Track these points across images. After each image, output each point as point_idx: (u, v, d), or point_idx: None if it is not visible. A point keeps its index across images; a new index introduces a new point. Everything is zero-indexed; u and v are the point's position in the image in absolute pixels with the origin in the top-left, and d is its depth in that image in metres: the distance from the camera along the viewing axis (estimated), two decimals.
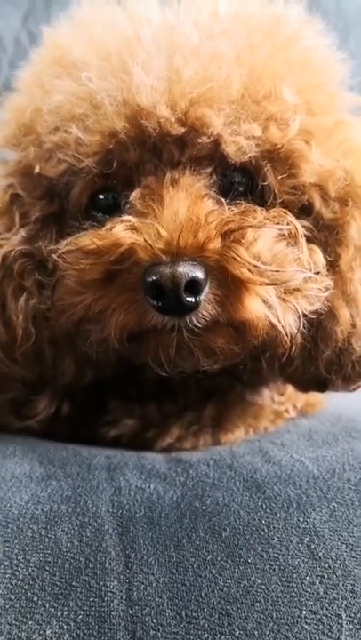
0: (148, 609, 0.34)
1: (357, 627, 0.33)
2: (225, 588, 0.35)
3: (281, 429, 0.53)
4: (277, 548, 0.37)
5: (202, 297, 0.39)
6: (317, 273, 0.43)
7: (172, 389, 0.51)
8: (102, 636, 0.33)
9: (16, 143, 0.48)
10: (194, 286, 0.38)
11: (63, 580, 0.35)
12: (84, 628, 0.33)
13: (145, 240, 0.39)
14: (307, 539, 0.37)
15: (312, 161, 0.43)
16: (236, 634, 0.33)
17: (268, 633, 0.33)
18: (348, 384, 0.48)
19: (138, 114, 0.41)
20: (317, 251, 0.44)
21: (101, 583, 0.35)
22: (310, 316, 0.43)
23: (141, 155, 0.43)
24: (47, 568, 0.36)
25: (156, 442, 0.51)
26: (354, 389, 0.50)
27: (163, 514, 0.39)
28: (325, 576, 0.35)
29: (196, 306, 0.39)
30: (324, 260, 0.44)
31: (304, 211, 0.45)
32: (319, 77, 0.46)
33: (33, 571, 0.35)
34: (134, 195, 0.43)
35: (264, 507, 0.40)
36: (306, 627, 0.33)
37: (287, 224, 0.42)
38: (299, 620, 0.33)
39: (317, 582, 0.35)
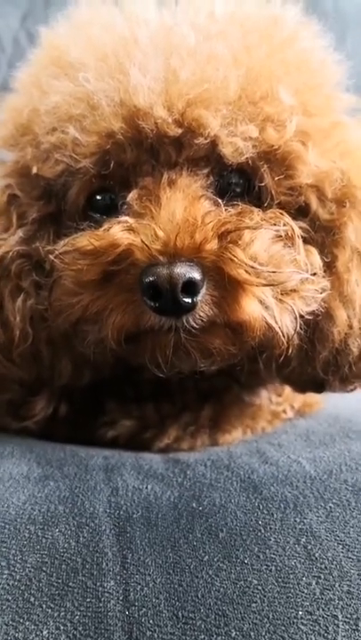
0: (144, 609, 0.34)
1: (354, 628, 0.33)
2: (221, 589, 0.35)
3: (278, 430, 0.53)
4: (274, 548, 0.37)
5: (199, 298, 0.39)
6: (314, 274, 0.43)
7: (169, 390, 0.51)
8: (99, 636, 0.33)
9: (13, 144, 0.48)
10: (191, 287, 0.38)
11: (60, 581, 0.35)
12: (80, 628, 0.33)
13: (142, 241, 0.39)
14: (303, 539, 0.37)
15: (309, 162, 0.43)
16: (233, 635, 0.33)
17: (264, 634, 0.33)
18: (345, 385, 0.48)
19: (135, 114, 0.41)
20: (314, 252, 0.44)
21: (98, 584, 0.35)
22: (307, 317, 0.43)
23: (138, 155, 0.43)
24: (44, 568, 0.36)
25: (154, 442, 0.51)
26: (351, 390, 0.50)
27: (160, 514, 0.39)
28: (322, 577, 0.35)
29: (193, 307, 0.39)
30: (320, 261, 0.44)
31: (301, 212, 0.45)
32: (316, 79, 0.46)
33: (30, 571, 0.35)
34: (131, 195, 0.43)
35: (261, 507, 0.40)
36: (302, 627, 0.33)
37: (284, 225, 0.42)
38: (295, 620, 0.33)
39: (314, 583, 0.35)
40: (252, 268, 0.39)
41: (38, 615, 0.34)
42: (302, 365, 0.46)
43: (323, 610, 0.34)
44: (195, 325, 0.39)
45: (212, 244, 0.39)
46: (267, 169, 0.43)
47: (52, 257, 0.44)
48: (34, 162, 0.46)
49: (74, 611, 0.34)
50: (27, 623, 0.33)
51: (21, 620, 0.33)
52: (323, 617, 0.34)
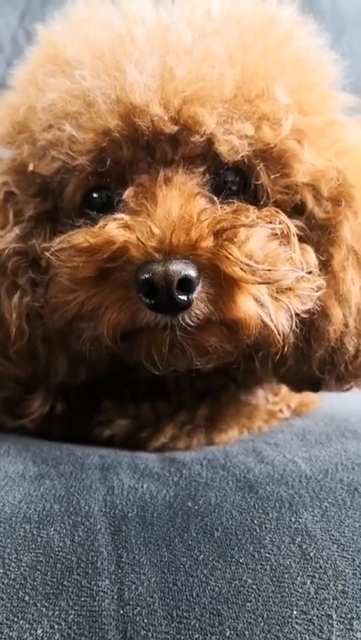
0: (139, 609, 0.34)
1: (348, 627, 0.33)
2: (216, 588, 0.35)
3: (275, 429, 0.53)
4: (269, 548, 0.37)
5: (194, 295, 0.39)
6: (310, 272, 0.43)
7: (165, 389, 0.51)
8: (93, 635, 0.33)
9: (10, 141, 0.48)
10: (186, 284, 0.38)
11: (55, 580, 0.35)
12: (75, 627, 0.33)
13: (137, 238, 0.39)
14: (298, 539, 0.37)
15: (305, 160, 0.43)
16: (227, 634, 0.33)
17: (258, 633, 0.33)
18: (341, 384, 0.48)
19: (131, 112, 0.41)
20: (310, 250, 0.44)
21: (93, 583, 0.35)
22: (303, 315, 0.43)
23: (135, 153, 0.43)
24: (39, 567, 0.35)
25: (150, 442, 0.50)
26: (347, 389, 0.50)
27: (155, 513, 0.39)
28: (317, 576, 0.35)
29: (188, 304, 0.39)
30: (316, 260, 0.44)
31: (297, 210, 0.45)
32: (312, 77, 0.46)
33: (25, 570, 0.35)
34: (127, 193, 0.43)
35: (256, 507, 0.40)
36: (297, 627, 0.33)
37: (280, 223, 0.42)
38: (290, 620, 0.33)
39: (308, 582, 0.35)
40: (248, 265, 0.39)
41: (33, 614, 0.33)
42: (298, 364, 0.46)
43: (317, 609, 0.34)
44: (190, 323, 0.39)
45: (208, 242, 0.39)
46: (263, 167, 0.43)
47: (48, 254, 0.44)
48: (30, 159, 0.46)
49: (68, 610, 0.34)
50: (21, 622, 0.33)
51: (16, 619, 0.33)
52: (317, 616, 0.34)
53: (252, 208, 0.42)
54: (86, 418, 0.52)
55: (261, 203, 0.44)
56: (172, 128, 0.41)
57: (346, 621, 0.34)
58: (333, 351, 0.46)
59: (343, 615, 0.34)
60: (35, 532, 0.37)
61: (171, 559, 0.36)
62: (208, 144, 0.42)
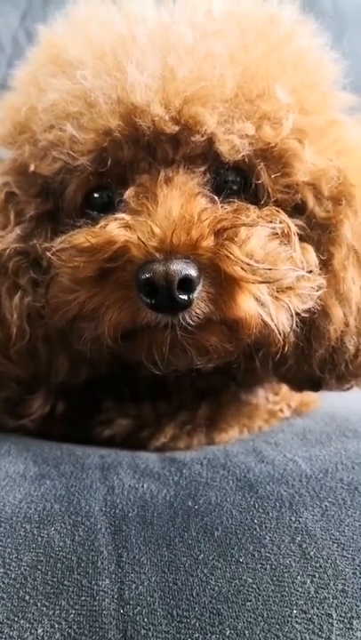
0: (139, 608, 0.34)
1: (348, 626, 0.33)
2: (216, 588, 0.35)
3: (275, 429, 0.53)
4: (269, 547, 0.37)
5: (195, 295, 0.39)
6: (310, 272, 0.43)
7: (166, 389, 0.51)
8: (93, 635, 0.33)
9: (11, 141, 0.48)
10: (187, 284, 0.38)
11: (55, 579, 0.35)
12: (75, 627, 0.33)
13: (138, 238, 0.39)
14: (298, 538, 0.37)
15: (305, 160, 0.43)
16: (227, 633, 0.33)
17: (258, 632, 0.33)
18: (341, 383, 0.48)
19: (132, 112, 0.41)
20: (310, 249, 0.44)
21: (93, 582, 0.35)
22: (303, 314, 0.43)
23: (136, 153, 0.43)
24: (39, 567, 0.36)
25: (151, 441, 0.51)
26: (348, 388, 0.50)
27: (155, 513, 0.39)
28: (316, 575, 0.35)
29: (189, 303, 0.39)
30: (316, 259, 0.44)
31: (297, 209, 0.45)
32: (313, 77, 0.46)
33: (25, 570, 0.35)
34: (128, 193, 0.43)
35: (257, 506, 0.40)
36: (296, 626, 0.33)
37: (280, 222, 0.42)
38: (289, 619, 0.33)
39: (308, 582, 0.35)
40: (248, 265, 0.39)
41: (33, 613, 0.33)
42: (299, 363, 0.46)
43: (317, 608, 0.34)
44: (191, 322, 0.39)
45: (209, 241, 0.39)
46: (263, 166, 0.43)
47: (49, 254, 0.44)
48: (31, 159, 0.46)
49: (69, 609, 0.34)
50: (21, 621, 0.33)
51: (16, 619, 0.33)
52: (317, 615, 0.34)
53: (252, 207, 0.42)
54: (87, 418, 0.52)
55: (262, 202, 0.44)
56: (172, 128, 0.41)
57: (346, 620, 0.33)
58: (334, 350, 0.46)
59: (343, 614, 0.34)
60: (35, 532, 0.38)
61: (171, 559, 0.36)
62: (209, 144, 0.42)
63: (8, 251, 0.47)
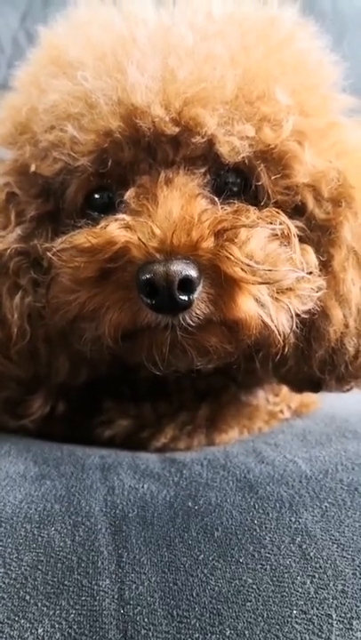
0: (139, 608, 0.34)
1: (348, 627, 0.33)
2: (216, 588, 0.35)
3: (275, 430, 0.53)
4: (269, 547, 0.37)
5: (195, 295, 0.39)
6: (310, 273, 0.43)
7: (166, 389, 0.51)
8: (94, 635, 0.33)
9: (12, 142, 0.48)
10: (187, 284, 0.38)
11: (55, 579, 0.35)
12: (75, 627, 0.33)
13: (139, 238, 0.39)
14: (298, 539, 0.37)
15: (305, 162, 0.43)
16: (227, 633, 0.33)
17: (258, 632, 0.33)
18: (341, 384, 0.49)
19: (132, 113, 0.41)
20: (310, 251, 0.44)
21: (93, 582, 0.35)
22: (303, 315, 0.43)
23: (136, 154, 0.43)
24: (40, 567, 0.36)
25: (151, 442, 0.51)
26: (348, 390, 0.50)
27: (156, 513, 0.39)
28: (316, 576, 0.35)
29: (189, 304, 0.39)
30: (316, 260, 0.44)
31: (297, 211, 0.45)
32: (313, 79, 0.46)
33: (25, 570, 0.35)
34: (129, 194, 0.43)
35: (256, 507, 0.40)
36: (296, 626, 0.33)
37: (280, 224, 0.43)
38: (289, 619, 0.33)
39: (308, 582, 0.35)
40: (248, 266, 0.39)
41: (33, 613, 0.34)
42: (299, 364, 0.47)
43: (317, 609, 0.34)
44: (191, 323, 0.39)
45: (209, 242, 0.39)
46: (263, 168, 0.43)
47: (49, 254, 0.44)
48: (32, 160, 0.46)
49: (69, 609, 0.34)
50: (22, 621, 0.33)
51: (17, 619, 0.33)
52: (317, 616, 0.34)
53: (252, 209, 0.42)
54: (87, 418, 0.52)
55: (262, 203, 0.44)
56: (173, 129, 0.41)
57: (346, 621, 0.34)
58: (334, 351, 0.46)
59: (343, 615, 0.34)
60: (35, 532, 0.38)
61: (171, 559, 0.36)
62: (209, 145, 0.42)
63: (9, 251, 0.47)
